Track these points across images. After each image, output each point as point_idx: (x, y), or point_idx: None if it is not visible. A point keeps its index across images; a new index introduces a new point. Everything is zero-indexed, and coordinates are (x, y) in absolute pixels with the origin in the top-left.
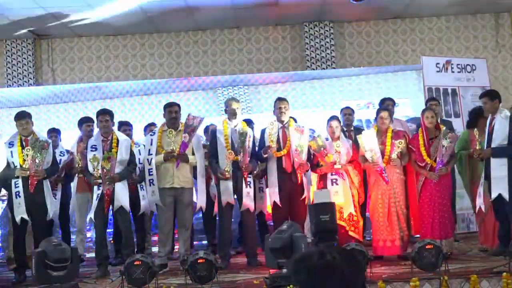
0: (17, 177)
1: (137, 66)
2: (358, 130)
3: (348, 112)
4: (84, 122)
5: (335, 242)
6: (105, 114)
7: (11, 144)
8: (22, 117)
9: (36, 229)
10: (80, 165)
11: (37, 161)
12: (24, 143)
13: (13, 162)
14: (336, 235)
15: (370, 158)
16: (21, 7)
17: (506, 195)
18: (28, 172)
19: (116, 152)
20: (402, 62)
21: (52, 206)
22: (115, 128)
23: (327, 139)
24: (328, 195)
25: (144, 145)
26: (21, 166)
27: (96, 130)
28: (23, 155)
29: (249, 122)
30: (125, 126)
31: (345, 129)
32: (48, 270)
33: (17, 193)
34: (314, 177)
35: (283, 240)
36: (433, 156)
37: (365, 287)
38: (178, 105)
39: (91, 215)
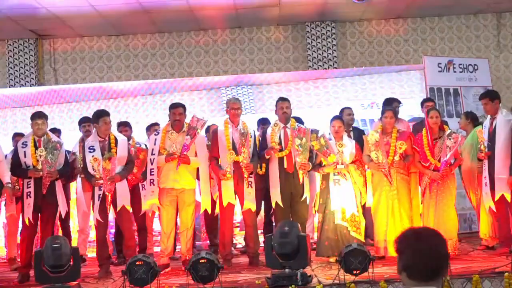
0: (29, 177)
1: (139, 66)
2: (358, 130)
3: (348, 112)
4: (82, 122)
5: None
6: (106, 116)
7: (24, 145)
8: (39, 117)
9: (45, 229)
10: (81, 166)
11: (50, 162)
12: (37, 143)
13: (25, 163)
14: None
15: (375, 158)
16: (23, 7)
17: (508, 196)
18: (41, 173)
19: (116, 152)
20: (404, 62)
21: (63, 206)
22: (113, 128)
23: (330, 139)
24: None
25: (146, 145)
26: (34, 167)
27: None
28: (36, 156)
29: (264, 122)
30: (123, 127)
31: (345, 128)
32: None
33: (28, 193)
34: (318, 177)
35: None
36: (437, 157)
37: (448, 263)
38: (183, 106)
39: (95, 215)
